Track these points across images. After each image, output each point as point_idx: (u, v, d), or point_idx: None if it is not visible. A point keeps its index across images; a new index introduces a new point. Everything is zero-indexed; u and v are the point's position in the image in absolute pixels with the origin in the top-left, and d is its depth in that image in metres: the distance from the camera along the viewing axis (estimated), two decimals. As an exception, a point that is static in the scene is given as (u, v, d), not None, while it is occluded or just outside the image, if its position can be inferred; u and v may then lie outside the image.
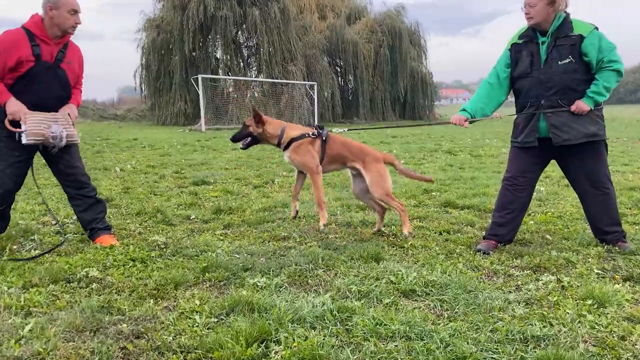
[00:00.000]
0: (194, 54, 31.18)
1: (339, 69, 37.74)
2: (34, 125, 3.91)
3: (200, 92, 25.21)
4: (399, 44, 36.64)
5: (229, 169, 9.88)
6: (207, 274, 3.52)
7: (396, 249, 4.17)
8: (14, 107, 3.89)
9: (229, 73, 31.91)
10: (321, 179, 4.53)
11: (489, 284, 3.31)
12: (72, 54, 4.21)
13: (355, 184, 4.79)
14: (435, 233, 4.71)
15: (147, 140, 16.60)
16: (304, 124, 29.48)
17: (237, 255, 3.97)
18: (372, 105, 36.81)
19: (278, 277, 3.43)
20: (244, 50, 34.24)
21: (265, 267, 3.66)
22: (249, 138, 4.58)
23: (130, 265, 3.76)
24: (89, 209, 4.44)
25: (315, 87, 30.52)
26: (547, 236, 4.51)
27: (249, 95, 31.38)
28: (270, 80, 30.30)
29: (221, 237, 4.58)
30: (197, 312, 2.89)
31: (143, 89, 33.80)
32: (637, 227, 4.82)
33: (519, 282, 3.37)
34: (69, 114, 4.16)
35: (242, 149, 4.63)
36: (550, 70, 3.94)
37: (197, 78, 25.44)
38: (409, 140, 17.51)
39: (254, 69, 34.51)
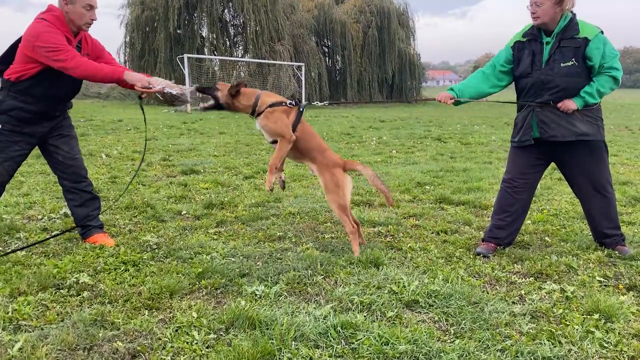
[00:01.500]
0: (179, 31, 30.57)
1: (326, 49, 37.29)
2: (163, 82, 3.90)
3: (186, 72, 24.76)
4: (387, 25, 36.27)
5: (217, 155, 9.72)
6: (202, 280, 3.41)
7: (395, 252, 4.09)
8: (136, 75, 3.84)
9: (215, 52, 31.41)
10: (289, 148, 4.03)
11: (493, 294, 3.25)
12: (86, 47, 4.03)
13: None
14: (432, 233, 4.64)
15: (132, 122, 16.28)
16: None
17: (232, 259, 3.86)
18: (359, 86, 36.53)
19: (277, 285, 3.32)
20: (230, 29, 33.68)
21: (262, 272, 3.56)
22: (213, 101, 4.12)
23: (122, 269, 3.63)
24: (84, 204, 4.30)
25: (303, 68, 30.17)
26: (546, 238, 4.46)
27: (235, 75, 30.93)
28: (257, 60, 29.88)
29: (215, 237, 4.46)
30: (195, 326, 2.78)
31: (127, 67, 33.15)
32: (634, 229, 4.79)
33: (522, 292, 3.31)
34: None
35: (200, 110, 4.36)
36: (552, 71, 3.84)
37: (183, 58, 24.95)
38: (398, 125, 17.42)
39: (241, 48, 34.00)
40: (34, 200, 5.71)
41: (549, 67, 3.85)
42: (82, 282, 3.34)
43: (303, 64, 30.60)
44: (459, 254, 4.05)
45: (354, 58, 35.56)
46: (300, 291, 3.30)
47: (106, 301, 3.10)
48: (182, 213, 5.27)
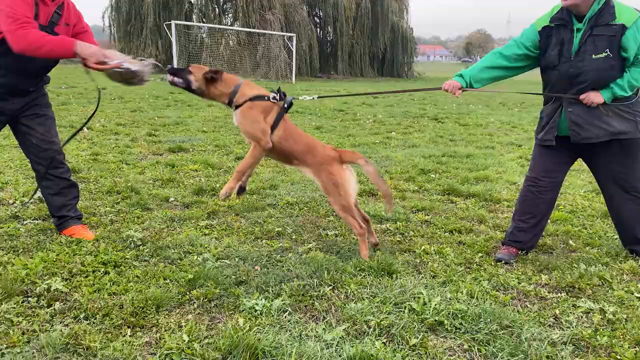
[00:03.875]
0: (166, -4, 29.50)
1: (318, 20, 36.36)
2: (122, 56, 3.35)
3: (174, 40, 23.86)
4: (381, -3, 35.38)
5: (206, 131, 9.22)
6: (194, 290, 2.97)
7: (407, 255, 3.68)
8: (90, 48, 3.26)
9: (204, 19, 30.40)
10: (262, 156, 3.57)
11: (525, 315, 2.86)
12: (68, 15, 3.52)
13: None
14: (445, 232, 4.24)
15: (116, 91, 15.57)
16: (281, 77, 28.45)
17: (227, 261, 3.42)
18: (350, 60, 35.77)
19: (279, 299, 2.90)
20: (219, -5, 32.59)
21: (261, 280, 3.12)
22: (183, 83, 3.51)
23: (101, 271, 3.18)
24: (61, 192, 3.83)
25: (294, 38, 29.32)
26: (570, 241, 4.08)
27: (223, 43, 29.97)
28: (246, 29, 28.95)
29: (206, 231, 4.01)
30: (186, 354, 2.35)
31: (112, 31, 31.99)
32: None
33: (557, 311, 2.92)
34: None
35: (168, 82, 3.55)
36: (582, 63, 3.36)
37: (170, 24, 24.01)
38: (392, 102, 16.93)
39: (230, 16, 33.01)
40: (6, 180, 5.21)
41: (579, 58, 3.37)
42: (54, 290, 2.88)
43: (294, 34, 29.73)
44: (479, 259, 3.66)
45: (345, 30, 34.71)
46: (306, 306, 2.88)
47: (81, 316, 2.65)
48: (170, 200, 4.80)
